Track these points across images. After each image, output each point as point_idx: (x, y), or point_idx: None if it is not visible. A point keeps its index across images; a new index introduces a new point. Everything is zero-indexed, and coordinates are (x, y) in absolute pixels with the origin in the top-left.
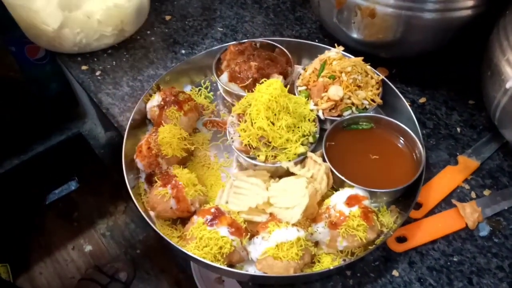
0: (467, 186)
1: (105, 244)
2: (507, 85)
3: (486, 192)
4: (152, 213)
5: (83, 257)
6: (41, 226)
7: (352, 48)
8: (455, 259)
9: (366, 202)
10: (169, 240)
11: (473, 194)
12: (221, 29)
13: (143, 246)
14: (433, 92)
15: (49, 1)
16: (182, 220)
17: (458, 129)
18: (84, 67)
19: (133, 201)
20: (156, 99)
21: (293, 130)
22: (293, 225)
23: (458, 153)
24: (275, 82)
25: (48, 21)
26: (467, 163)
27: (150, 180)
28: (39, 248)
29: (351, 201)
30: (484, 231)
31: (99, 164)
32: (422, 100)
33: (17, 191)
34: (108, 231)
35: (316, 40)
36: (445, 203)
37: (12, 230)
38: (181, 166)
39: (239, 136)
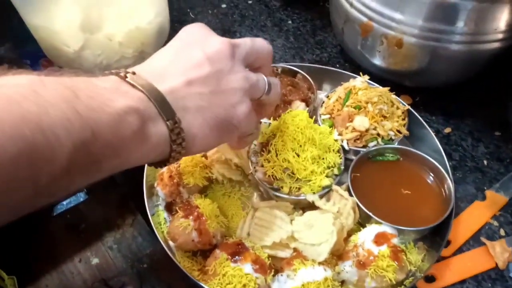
0: (495, 223)
1: (112, 257)
2: None
3: None
4: (172, 243)
5: (89, 270)
6: (48, 237)
7: (375, 75)
8: None
9: (395, 241)
10: (190, 276)
11: (502, 232)
12: None
13: (150, 260)
14: (458, 122)
15: (70, 22)
16: (202, 251)
17: (485, 162)
18: None
19: (144, 216)
20: None
21: (317, 162)
22: (320, 263)
23: (485, 187)
24: (301, 113)
25: (69, 42)
26: (495, 199)
27: (170, 209)
28: (45, 260)
29: (380, 239)
30: None
31: (108, 176)
32: (447, 130)
33: None
34: (115, 244)
35: (337, 65)
36: (474, 241)
37: (19, 242)
38: (202, 194)
39: (262, 166)
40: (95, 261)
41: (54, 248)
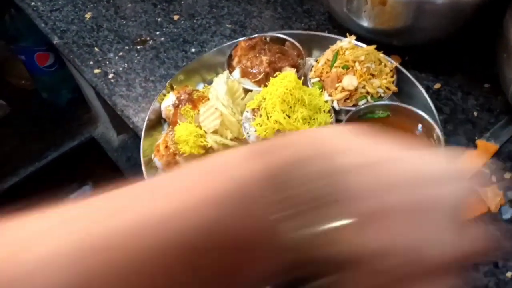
0: (487, 170)
1: None
2: None
3: (507, 175)
4: None
5: None
6: None
7: (364, 37)
8: None
9: None
10: None
11: (493, 178)
12: (230, 26)
13: None
14: (447, 78)
15: None
16: None
17: (475, 114)
18: (96, 71)
19: None
20: (170, 99)
21: (309, 122)
22: None
23: (476, 138)
24: (289, 74)
25: None
26: (486, 147)
27: None
28: None
29: None
30: (507, 214)
31: (112, 167)
32: (437, 86)
33: (33, 199)
34: None
35: (326, 31)
36: None
37: None
38: None
39: (255, 130)
40: None
41: None
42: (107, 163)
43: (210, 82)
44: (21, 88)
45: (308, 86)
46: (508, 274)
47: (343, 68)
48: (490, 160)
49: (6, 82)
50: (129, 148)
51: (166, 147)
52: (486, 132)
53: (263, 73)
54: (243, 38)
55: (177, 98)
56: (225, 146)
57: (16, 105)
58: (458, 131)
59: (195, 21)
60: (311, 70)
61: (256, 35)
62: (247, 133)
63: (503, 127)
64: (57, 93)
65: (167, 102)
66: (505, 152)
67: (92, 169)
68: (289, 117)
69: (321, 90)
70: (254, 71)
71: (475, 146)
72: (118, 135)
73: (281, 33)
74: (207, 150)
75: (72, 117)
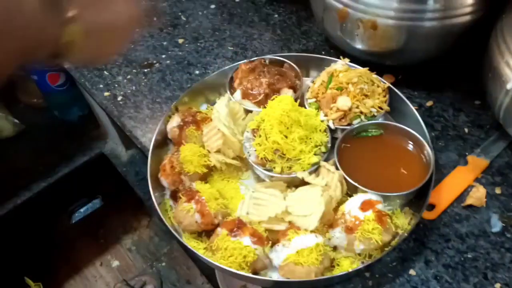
0: (478, 185)
1: (132, 259)
2: (508, 86)
3: (497, 190)
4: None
5: (111, 273)
6: (69, 245)
7: (358, 58)
8: (469, 256)
9: (380, 206)
10: (196, 252)
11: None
12: (232, 48)
13: (168, 258)
14: (439, 95)
15: None
16: (207, 232)
17: (466, 130)
18: (106, 94)
19: (157, 215)
20: (175, 120)
21: (305, 142)
22: (311, 231)
23: (467, 153)
24: (286, 97)
25: None
26: (476, 162)
27: (174, 197)
28: (68, 266)
29: (365, 206)
30: (497, 227)
31: (121, 181)
32: (429, 103)
33: (45, 212)
34: (133, 246)
35: (323, 52)
36: (457, 203)
37: (42, 250)
38: (203, 181)
39: (255, 150)
40: (115, 263)
41: (76, 255)
42: (116, 177)
43: (213, 103)
44: (33, 106)
45: (305, 106)
46: (497, 285)
47: (337, 89)
48: (481, 175)
49: (19, 100)
50: (137, 163)
51: (172, 167)
52: (476, 147)
53: (263, 94)
54: (243, 61)
55: (182, 119)
56: (228, 165)
57: (29, 122)
58: (450, 147)
59: (198, 44)
60: (308, 90)
61: (256, 58)
62: (248, 152)
63: (493, 142)
64: (68, 111)
65: (172, 123)
66: (495, 167)
67: (102, 183)
68: (286, 137)
69: (317, 110)
70: (254, 92)
71: (466, 162)
72: (126, 150)
73: (279, 56)
74: (211, 169)
75: (82, 133)
